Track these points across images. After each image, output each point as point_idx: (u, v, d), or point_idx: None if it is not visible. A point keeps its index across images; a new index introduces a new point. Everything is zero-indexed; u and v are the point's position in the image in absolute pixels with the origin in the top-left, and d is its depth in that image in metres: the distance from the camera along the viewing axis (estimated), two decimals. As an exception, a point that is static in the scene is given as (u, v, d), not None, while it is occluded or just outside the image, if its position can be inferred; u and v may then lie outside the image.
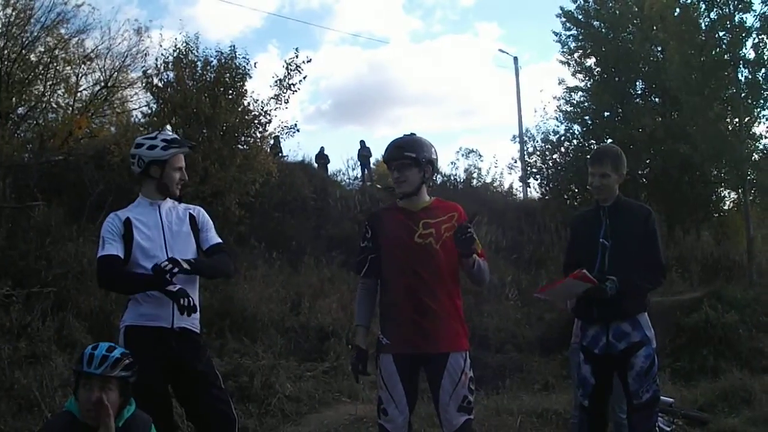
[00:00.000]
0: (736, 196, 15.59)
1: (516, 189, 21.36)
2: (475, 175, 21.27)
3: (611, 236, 3.60)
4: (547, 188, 17.96)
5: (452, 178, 20.83)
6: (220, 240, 3.44)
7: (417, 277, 3.23)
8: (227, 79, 11.86)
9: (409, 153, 3.31)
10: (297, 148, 32.35)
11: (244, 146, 12.26)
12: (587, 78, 17.55)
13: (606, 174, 3.63)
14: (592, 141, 17.28)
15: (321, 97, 64.70)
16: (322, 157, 20.61)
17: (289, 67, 12.36)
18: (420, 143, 3.37)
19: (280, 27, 69.65)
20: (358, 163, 21.29)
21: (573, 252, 3.88)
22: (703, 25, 12.79)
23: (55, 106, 14.46)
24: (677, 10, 13.17)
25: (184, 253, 3.23)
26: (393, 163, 3.35)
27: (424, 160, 3.33)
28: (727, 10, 12.36)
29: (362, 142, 21.60)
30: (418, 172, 3.33)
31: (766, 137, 13.62)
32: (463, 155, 23.45)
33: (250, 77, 12.25)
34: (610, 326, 3.57)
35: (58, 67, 14.34)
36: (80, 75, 15.08)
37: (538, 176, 18.21)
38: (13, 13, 13.31)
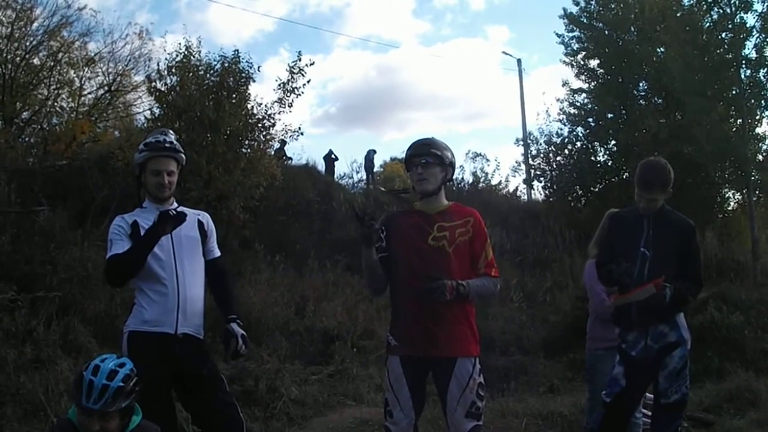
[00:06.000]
0: (740, 197, 15.58)
1: (520, 191, 21.31)
2: (482, 179, 21.31)
3: (652, 246, 3.57)
4: (551, 190, 17.94)
5: (457, 181, 20.82)
6: (219, 253, 3.48)
7: (427, 280, 3.20)
8: (231, 83, 11.87)
9: (435, 150, 3.33)
10: (301, 152, 32.30)
11: (248, 150, 12.25)
12: (590, 80, 17.53)
13: (654, 199, 3.63)
14: (596, 143, 17.29)
15: (329, 100, 64.92)
16: (330, 159, 20.61)
17: (293, 70, 12.40)
18: (444, 144, 3.40)
19: (291, 31, 70.03)
20: (363, 167, 21.54)
21: (611, 254, 3.75)
22: (704, 25, 12.79)
23: (59, 110, 14.52)
24: (678, 13, 13.17)
25: (192, 257, 3.26)
26: (417, 160, 3.34)
27: (447, 161, 3.36)
28: (728, 10, 12.36)
29: (372, 151, 21.86)
30: (440, 171, 3.35)
31: (770, 138, 13.56)
32: (471, 158, 24.11)
33: (254, 81, 12.28)
34: (649, 331, 3.56)
35: (61, 71, 14.40)
36: (84, 79, 15.19)
37: (542, 178, 18.20)
38: (13, 14, 13.38)
